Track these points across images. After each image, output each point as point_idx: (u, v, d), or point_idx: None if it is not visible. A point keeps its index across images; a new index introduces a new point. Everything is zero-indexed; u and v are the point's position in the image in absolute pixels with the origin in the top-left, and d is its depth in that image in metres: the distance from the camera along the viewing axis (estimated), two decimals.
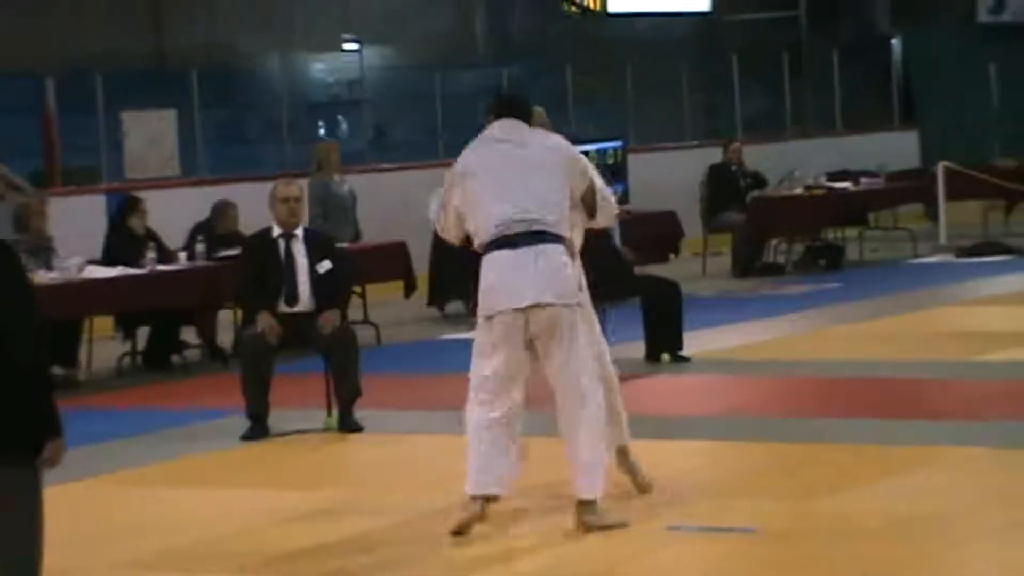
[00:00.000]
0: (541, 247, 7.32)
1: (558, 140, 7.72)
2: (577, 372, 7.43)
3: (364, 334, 12.94)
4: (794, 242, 18.58)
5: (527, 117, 7.64)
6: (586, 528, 7.28)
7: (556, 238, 7.36)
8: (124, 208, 13.71)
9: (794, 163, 19.58)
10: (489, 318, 7.34)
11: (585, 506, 7.35)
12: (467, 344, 12.87)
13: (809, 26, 27.77)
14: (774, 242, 18.55)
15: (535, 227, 7.30)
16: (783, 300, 15.73)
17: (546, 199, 7.36)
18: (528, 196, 7.33)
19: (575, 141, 17.92)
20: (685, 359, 12.09)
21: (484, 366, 7.39)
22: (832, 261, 18.28)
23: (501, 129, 7.54)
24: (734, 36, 26.34)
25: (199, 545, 7.46)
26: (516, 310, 7.29)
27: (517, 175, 7.37)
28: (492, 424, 7.38)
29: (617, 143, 17.38)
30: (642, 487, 7.95)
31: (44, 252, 12.82)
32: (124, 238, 13.34)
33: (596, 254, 12.51)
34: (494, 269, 7.35)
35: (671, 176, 19.10)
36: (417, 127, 21.78)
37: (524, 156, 7.44)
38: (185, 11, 22.61)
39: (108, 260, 13.17)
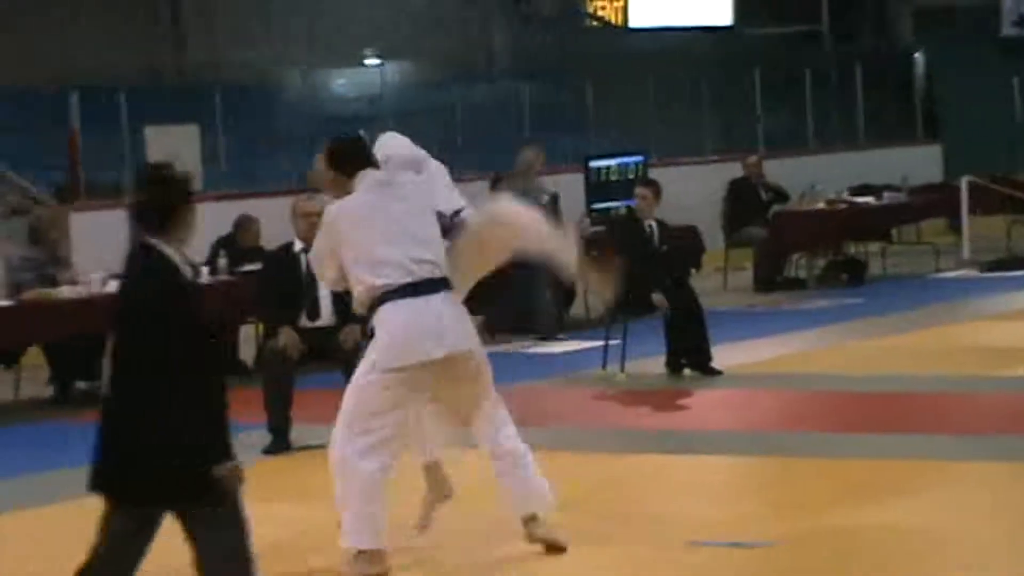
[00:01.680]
0: (444, 293, 7.14)
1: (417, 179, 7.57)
2: (491, 400, 7.42)
3: None
4: (816, 257, 18.54)
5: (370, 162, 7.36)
6: (532, 539, 7.27)
7: (448, 282, 7.21)
8: None
9: (816, 177, 19.55)
10: (400, 370, 6.99)
11: (535, 520, 7.32)
12: (488, 358, 12.82)
13: (831, 40, 27.76)
14: (796, 257, 18.52)
15: (435, 273, 7.12)
16: (805, 315, 15.70)
17: (433, 242, 7.20)
18: (417, 241, 7.13)
19: (596, 156, 17.93)
20: (716, 372, 12.09)
21: (384, 421, 7.00)
22: (854, 276, 18.25)
23: (374, 178, 7.26)
24: (756, 50, 26.32)
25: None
26: (431, 361, 7.03)
27: (400, 220, 7.14)
28: (383, 480, 7.08)
29: (638, 158, 17.41)
30: (443, 496, 7.74)
31: (60, 265, 12.85)
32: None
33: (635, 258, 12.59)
34: (400, 319, 7.02)
35: (693, 191, 19.07)
36: (437, 142, 21.77)
37: (403, 201, 7.23)
38: (208, 28, 22.68)
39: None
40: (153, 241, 5.15)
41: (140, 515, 5.20)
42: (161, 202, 5.17)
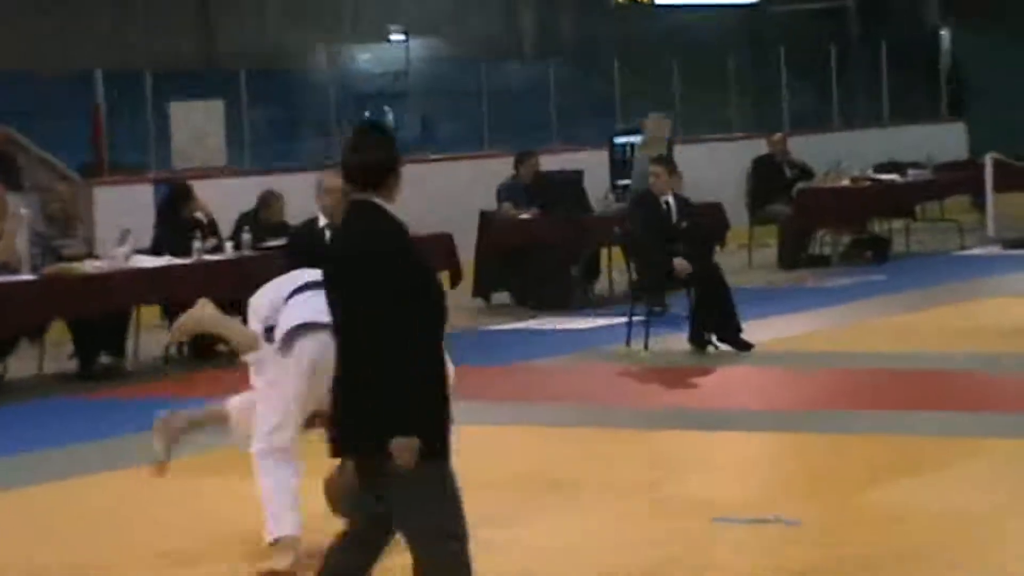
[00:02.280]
0: None
1: None
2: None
3: None
4: (840, 234, 18.48)
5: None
6: None
7: None
8: (174, 196, 13.77)
9: (841, 155, 19.49)
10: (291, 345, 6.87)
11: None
12: (513, 334, 12.94)
13: (857, 17, 27.63)
14: (820, 234, 18.47)
15: None
16: (829, 292, 15.65)
17: None
18: None
19: (622, 134, 17.87)
20: (748, 345, 12.08)
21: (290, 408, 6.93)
22: (878, 253, 18.19)
23: None
24: (781, 28, 26.22)
25: (247, 534, 7.48)
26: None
27: None
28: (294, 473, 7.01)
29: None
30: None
31: (79, 242, 12.87)
32: (174, 227, 13.40)
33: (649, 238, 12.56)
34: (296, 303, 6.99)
35: (717, 168, 19.03)
36: (463, 120, 21.77)
37: None
38: (233, 7, 22.68)
39: (156, 249, 13.23)
40: (375, 200, 5.07)
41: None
42: (378, 161, 5.09)
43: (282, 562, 6.86)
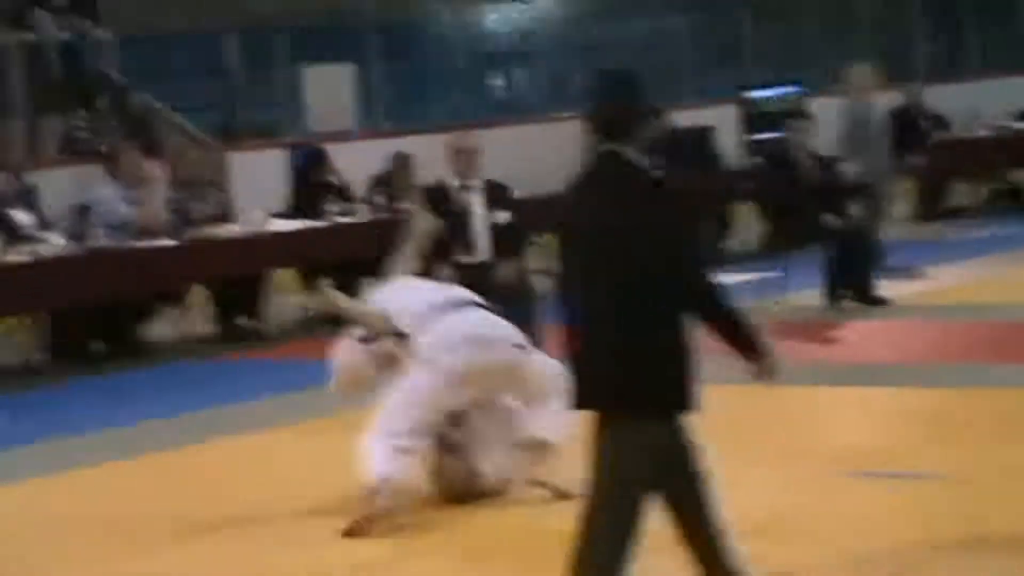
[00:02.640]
0: None
1: None
2: None
3: (542, 282, 12.97)
4: (979, 185, 18.20)
5: None
6: None
7: None
8: (309, 161, 13.91)
9: (978, 104, 19.16)
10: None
11: None
12: None
13: None
14: (958, 185, 18.20)
15: None
16: (968, 244, 15.44)
17: None
18: None
19: (752, 87, 17.71)
20: (881, 300, 11.97)
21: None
22: (1019, 203, 17.90)
23: None
24: None
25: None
26: None
27: None
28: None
29: (796, 88, 17.21)
30: None
31: (211, 206, 13.04)
32: (308, 190, 13.53)
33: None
34: None
35: None
36: (592, 76, 21.70)
37: None
38: None
39: (292, 212, 13.37)
40: (624, 151, 4.87)
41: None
42: (628, 110, 4.91)
43: (379, 503, 6.91)
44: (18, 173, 12.73)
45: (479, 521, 7.06)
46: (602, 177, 4.90)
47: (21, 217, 12.17)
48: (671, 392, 4.90)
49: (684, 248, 4.83)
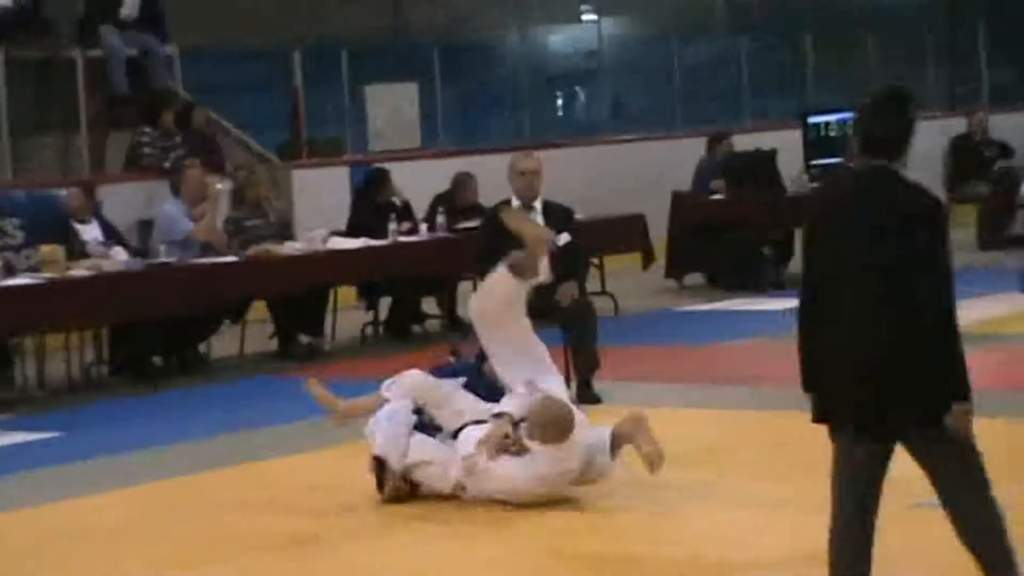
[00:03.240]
0: None
1: None
2: None
3: (602, 306, 12.98)
4: None
5: None
6: None
7: None
8: (372, 181, 13.97)
9: None
10: None
11: None
12: (706, 315, 12.90)
13: None
14: (1022, 214, 18.05)
15: None
16: None
17: None
18: None
19: (814, 111, 17.64)
20: None
21: None
22: None
23: None
24: (981, 1, 25.67)
25: (443, 503, 7.59)
26: None
27: None
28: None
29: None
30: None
31: (269, 224, 13.08)
32: (369, 209, 13.59)
33: None
34: None
35: (914, 146, 18.71)
36: (655, 98, 21.73)
37: None
38: None
39: (353, 231, 13.43)
40: (893, 167, 5.01)
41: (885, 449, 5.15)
42: (899, 130, 5.02)
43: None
44: (90, 188, 12.81)
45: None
46: (875, 191, 5.00)
47: (90, 232, 12.26)
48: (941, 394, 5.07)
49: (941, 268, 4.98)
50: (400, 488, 7.70)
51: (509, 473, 7.45)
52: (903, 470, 7.94)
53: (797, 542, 6.95)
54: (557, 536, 7.10)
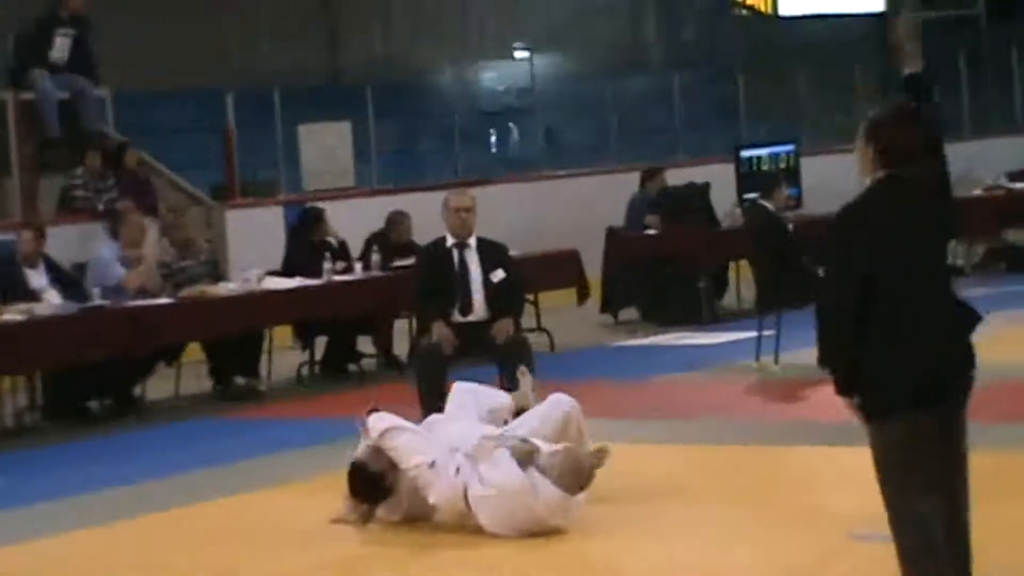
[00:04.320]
0: None
1: None
2: None
3: (538, 341, 12.99)
4: (974, 244, 18.23)
5: None
6: None
7: None
8: (306, 220, 13.94)
9: (973, 163, 19.22)
10: None
11: None
12: (642, 350, 12.91)
13: (987, 24, 27.26)
14: (952, 244, 18.20)
15: None
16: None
17: None
18: None
19: (747, 145, 17.81)
20: None
21: None
22: (1013, 264, 17.91)
23: None
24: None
25: (371, 555, 7.55)
26: None
27: None
28: None
29: (789, 147, 17.26)
30: None
31: (200, 264, 13.03)
32: (304, 249, 13.56)
33: (771, 256, 12.54)
34: None
35: (846, 179, 18.84)
36: (589, 134, 21.81)
37: None
38: (360, 26, 22.89)
39: (288, 271, 13.39)
40: (902, 175, 5.36)
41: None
42: (917, 142, 5.36)
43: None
44: (40, 231, 12.56)
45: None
46: (897, 196, 5.33)
47: (38, 278, 12.11)
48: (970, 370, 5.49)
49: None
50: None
51: (515, 471, 7.39)
52: (841, 502, 7.99)
53: (767, 558, 6.96)
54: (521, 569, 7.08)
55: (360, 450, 7.83)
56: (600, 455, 7.51)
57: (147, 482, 9.63)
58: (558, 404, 8.24)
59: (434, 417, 8.31)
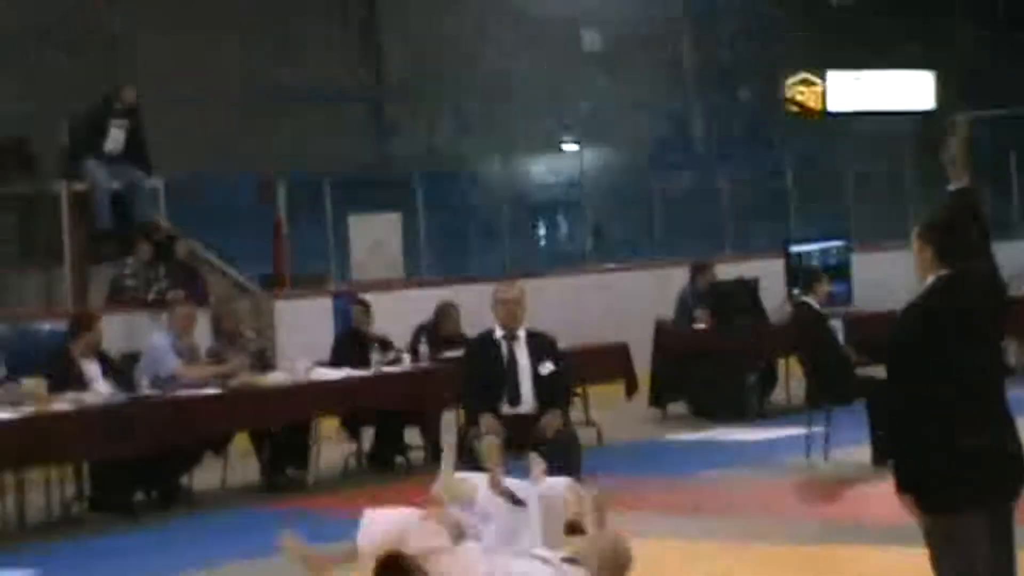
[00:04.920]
0: None
1: None
2: None
3: (586, 435, 12.94)
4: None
5: None
6: None
7: None
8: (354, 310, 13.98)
9: None
10: None
11: None
12: (690, 445, 12.80)
13: None
14: (1005, 344, 18.06)
15: None
16: (1016, 402, 15.28)
17: None
18: None
19: (796, 241, 17.72)
20: None
21: None
22: None
23: None
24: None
25: None
26: None
27: None
28: None
29: (839, 242, 17.24)
30: None
31: (248, 356, 13.04)
32: (352, 340, 13.59)
33: (817, 352, 12.50)
34: None
35: (896, 275, 18.77)
36: (636, 227, 21.85)
37: None
38: (408, 117, 23.06)
39: (336, 361, 13.41)
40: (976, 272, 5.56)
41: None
42: (972, 240, 5.62)
43: None
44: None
45: None
46: (957, 295, 5.50)
47: (94, 369, 12.13)
48: None
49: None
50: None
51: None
52: None
53: None
54: None
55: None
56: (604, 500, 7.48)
57: (192, 571, 9.59)
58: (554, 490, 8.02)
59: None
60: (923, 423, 5.35)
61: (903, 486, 5.43)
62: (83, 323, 12.23)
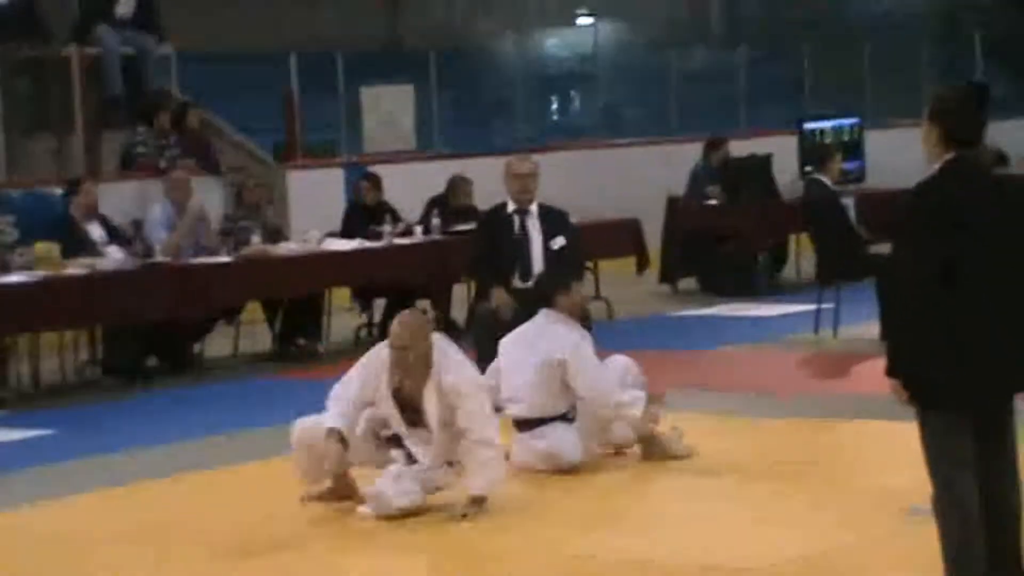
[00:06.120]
0: None
1: None
2: None
3: (596, 309, 12.97)
4: None
5: None
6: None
7: None
8: (365, 182, 13.97)
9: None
10: None
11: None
12: (700, 320, 12.80)
13: None
14: None
15: None
16: None
17: None
18: None
19: (810, 118, 17.70)
20: None
21: None
22: None
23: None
24: (977, 11, 25.71)
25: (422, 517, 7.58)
26: None
27: None
28: None
29: (853, 120, 17.16)
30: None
31: (265, 228, 13.08)
32: (363, 211, 13.59)
33: (828, 229, 12.48)
34: None
35: (908, 154, 18.68)
36: (650, 103, 21.74)
37: None
38: None
39: (347, 232, 13.42)
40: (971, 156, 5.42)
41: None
42: (983, 122, 5.43)
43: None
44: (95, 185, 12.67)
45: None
46: (964, 178, 5.32)
47: (96, 230, 12.20)
48: None
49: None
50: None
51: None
52: (897, 476, 7.96)
53: (819, 533, 6.94)
54: (555, 535, 7.09)
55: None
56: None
57: (201, 440, 9.66)
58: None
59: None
60: (917, 313, 5.23)
61: (891, 371, 5.36)
62: (74, 185, 12.32)
